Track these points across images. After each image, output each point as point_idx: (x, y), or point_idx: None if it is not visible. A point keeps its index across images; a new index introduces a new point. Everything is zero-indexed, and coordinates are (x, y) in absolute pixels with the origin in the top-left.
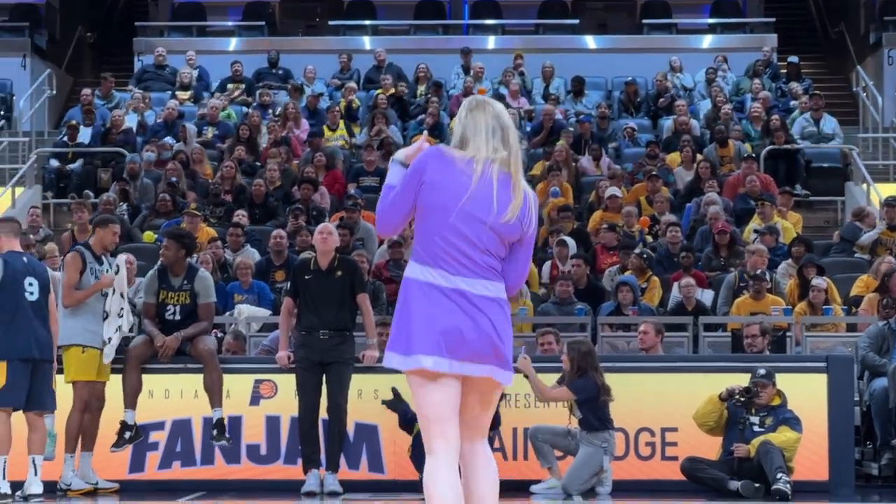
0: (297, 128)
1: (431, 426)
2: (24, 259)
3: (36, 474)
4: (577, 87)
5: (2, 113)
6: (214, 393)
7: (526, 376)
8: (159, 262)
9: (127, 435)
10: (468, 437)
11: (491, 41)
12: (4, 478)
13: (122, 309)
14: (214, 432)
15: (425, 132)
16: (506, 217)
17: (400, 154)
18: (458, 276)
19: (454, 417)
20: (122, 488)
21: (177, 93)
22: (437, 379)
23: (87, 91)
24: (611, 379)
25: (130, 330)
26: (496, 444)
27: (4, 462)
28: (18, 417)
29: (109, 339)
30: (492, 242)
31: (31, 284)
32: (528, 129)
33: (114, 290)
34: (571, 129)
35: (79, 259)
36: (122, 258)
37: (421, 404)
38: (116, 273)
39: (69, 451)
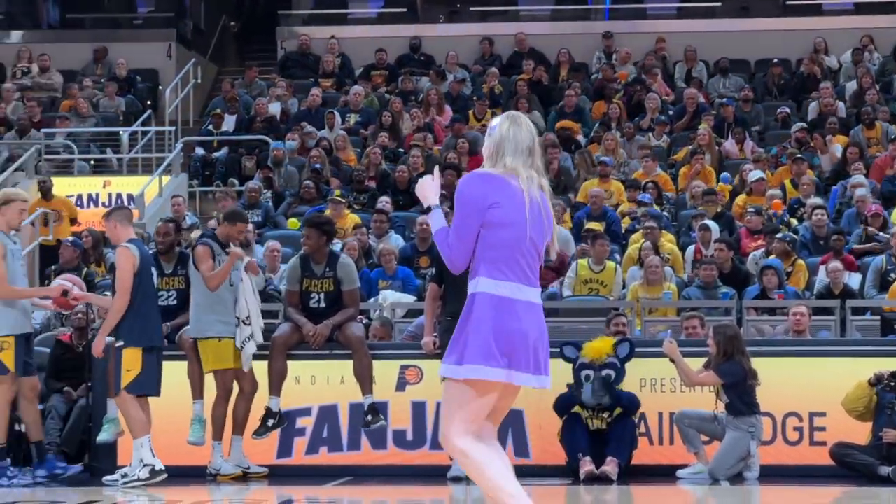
0: (439, 114)
1: (473, 423)
2: (145, 248)
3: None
4: (720, 71)
5: (148, 102)
6: (365, 380)
7: (672, 360)
8: (301, 250)
9: (270, 422)
10: (491, 432)
11: (632, 25)
12: (154, 455)
13: (248, 316)
14: (368, 417)
15: (437, 167)
16: (550, 239)
17: (432, 198)
18: (527, 287)
19: None
20: (271, 473)
21: (320, 80)
22: (496, 388)
23: (230, 80)
24: (757, 363)
25: (275, 316)
26: (641, 429)
27: (149, 441)
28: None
29: (242, 346)
30: (541, 253)
31: (152, 274)
32: (671, 112)
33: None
34: (714, 112)
35: (209, 250)
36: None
37: (471, 403)
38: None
39: (216, 439)
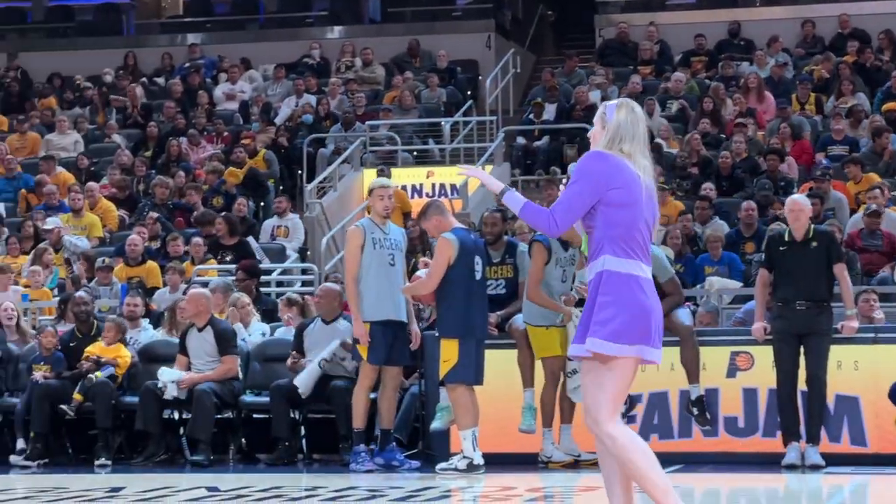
0: (760, 99)
1: (619, 402)
2: (472, 237)
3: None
4: None
5: (469, 93)
6: (692, 369)
7: None
8: None
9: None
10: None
11: None
12: (476, 448)
13: None
14: (695, 410)
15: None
16: (657, 225)
17: (497, 182)
18: (646, 266)
19: None
20: None
21: (638, 67)
22: (635, 366)
23: (550, 69)
24: None
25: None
26: None
27: (474, 434)
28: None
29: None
30: (651, 236)
31: (477, 263)
32: None
33: None
34: None
35: (545, 253)
36: None
37: (619, 383)
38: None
39: (546, 426)
